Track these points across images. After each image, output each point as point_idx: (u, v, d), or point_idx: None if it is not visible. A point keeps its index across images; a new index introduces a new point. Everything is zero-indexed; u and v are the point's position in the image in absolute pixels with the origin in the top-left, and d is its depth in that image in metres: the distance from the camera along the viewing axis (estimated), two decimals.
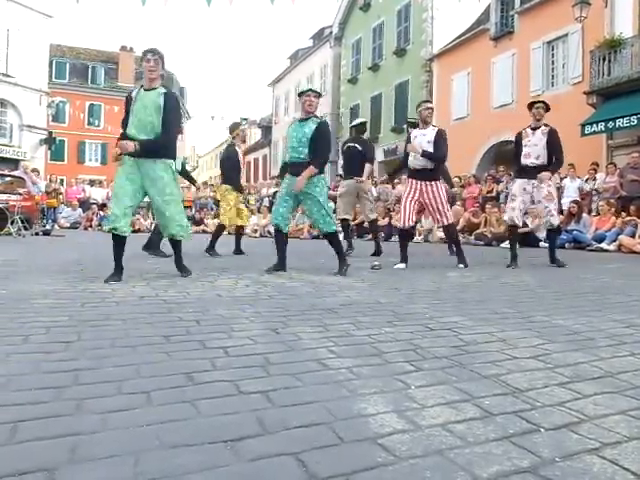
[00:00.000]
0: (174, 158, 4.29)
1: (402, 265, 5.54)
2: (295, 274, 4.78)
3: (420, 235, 12.39)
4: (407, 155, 5.79)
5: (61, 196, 17.87)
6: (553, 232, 6.10)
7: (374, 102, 25.42)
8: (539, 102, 5.94)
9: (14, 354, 1.92)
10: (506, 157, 17.87)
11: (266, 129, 41.04)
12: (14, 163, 22.18)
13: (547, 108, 5.91)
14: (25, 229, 11.17)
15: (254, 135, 44.14)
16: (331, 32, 30.03)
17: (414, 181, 5.62)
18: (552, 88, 16.83)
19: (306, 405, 1.47)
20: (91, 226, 16.32)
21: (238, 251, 7.27)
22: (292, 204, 4.94)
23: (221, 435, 1.25)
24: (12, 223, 10.76)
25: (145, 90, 4.18)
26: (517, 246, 6.08)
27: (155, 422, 1.33)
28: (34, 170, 15.83)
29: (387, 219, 13.55)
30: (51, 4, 26.03)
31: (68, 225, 16.58)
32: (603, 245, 9.20)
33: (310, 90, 4.85)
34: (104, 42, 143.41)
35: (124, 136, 4.12)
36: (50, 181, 17.26)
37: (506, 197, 13.17)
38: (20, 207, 11.16)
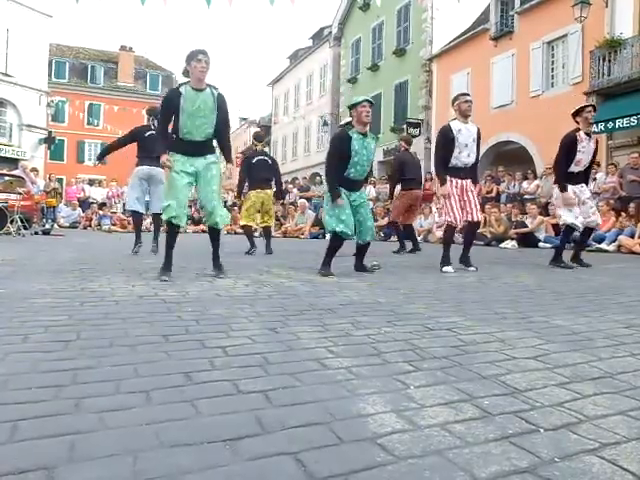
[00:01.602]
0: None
1: (450, 268, 5.25)
2: (294, 274, 4.77)
3: (419, 235, 12.40)
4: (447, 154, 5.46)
5: (60, 195, 17.87)
6: (590, 230, 6.22)
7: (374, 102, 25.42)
8: (589, 106, 5.89)
9: (13, 353, 1.92)
10: (506, 157, 17.89)
11: (265, 129, 41.04)
12: (14, 163, 22.15)
13: (595, 109, 5.95)
14: (25, 228, 11.17)
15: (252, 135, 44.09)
16: (330, 32, 30.04)
17: (458, 180, 5.43)
18: (552, 88, 16.83)
19: (305, 405, 1.47)
20: (90, 225, 16.32)
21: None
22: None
23: (220, 434, 1.25)
24: (11, 222, 10.76)
25: (195, 90, 4.18)
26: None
27: (154, 421, 1.32)
28: (33, 169, 15.82)
29: (387, 219, 13.56)
30: (51, 4, 26.02)
31: (67, 225, 16.59)
32: (603, 245, 9.21)
33: (366, 100, 4.79)
34: (104, 42, 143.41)
35: (176, 137, 4.27)
36: (49, 180, 17.26)
37: (508, 197, 13.22)
38: (19, 206, 11.16)
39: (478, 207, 5.51)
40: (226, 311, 2.85)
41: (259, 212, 7.84)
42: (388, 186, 9.46)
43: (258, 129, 7.71)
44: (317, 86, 32.10)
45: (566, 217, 5.89)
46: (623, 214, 9.82)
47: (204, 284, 3.97)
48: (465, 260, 5.59)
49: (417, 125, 21.79)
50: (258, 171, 7.69)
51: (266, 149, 7.87)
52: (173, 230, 4.40)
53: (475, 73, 19.73)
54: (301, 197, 16.89)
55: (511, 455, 1.18)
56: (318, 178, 18.51)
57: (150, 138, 6.98)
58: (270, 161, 7.86)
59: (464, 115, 5.46)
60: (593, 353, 2.10)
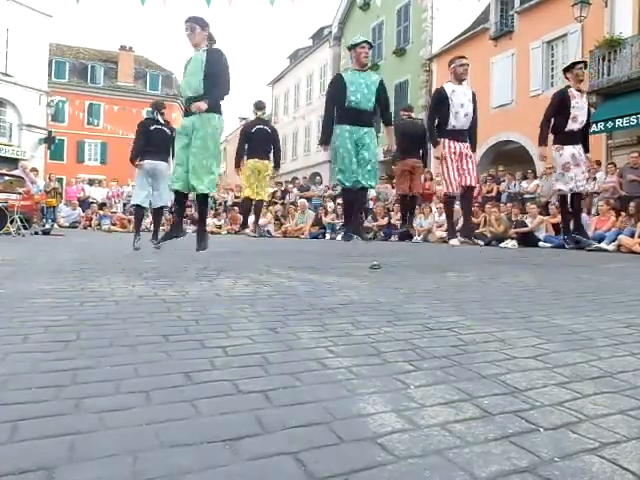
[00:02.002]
0: (219, 112, 4.43)
1: (456, 241, 5.20)
2: (294, 273, 4.77)
3: (419, 235, 12.39)
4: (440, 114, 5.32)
5: (60, 195, 17.87)
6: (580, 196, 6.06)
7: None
8: (580, 62, 5.85)
9: (13, 353, 1.92)
10: (506, 157, 17.88)
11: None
12: (13, 162, 22.14)
13: (586, 67, 5.86)
14: (24, 228, 11.17)
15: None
16: (330, 32, 30.06)
17: (455, 143, 5.28)
18: (552, 88, 16.82)
19: (305, 404, 1.47)
20: (90, 225, 16.33)
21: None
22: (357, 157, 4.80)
23: (220, 434, 1.25)
24: (11, 222, 10.76)
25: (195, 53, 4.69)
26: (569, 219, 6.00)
27: (154, 421, 1.32)
28: (33, 169, 15.82)
29: (386, 219, 13.56)
30: (51, 4, 26.01)
31: (67, 224, 16.60)
32: (602, 245, 9.21)
33: (365, 42, 4.84)
34: (103, 42, 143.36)
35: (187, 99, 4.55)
36: (49, 180, 17.26)
37: (508, 197, 13.20)
38: (19, 206, 11.16)
39: (474, 173, 5.34)
40: (226, 311, 2.85)
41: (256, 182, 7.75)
42: (390, 186, 9.47)
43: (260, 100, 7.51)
44: (317, 86, 32.10)
45: (558, 185, 6.01)
46: (623, 213, 9.82)
47: (204, 284, 3.97)
48: (467, 232, 5.39)
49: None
50: (257, 140, 7.68)
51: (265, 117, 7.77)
52: (178, 198, 4.48)
53: (475, 73, 19.66)
54: (301, 197, 16.89)
55: (511, 454, 1.18)
56: (318, 178, 18.52)
57: (155, 132, 6.96)
58: (270, 130, 7.80)
59: (459, 79, 5.38)
60: (593, 352, 2.10)
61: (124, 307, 2.91)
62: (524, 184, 12.92)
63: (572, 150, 5.74)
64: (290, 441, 1.23)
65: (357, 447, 1.21)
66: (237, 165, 8.25)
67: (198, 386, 1.61)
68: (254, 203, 8.02)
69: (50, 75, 30.77)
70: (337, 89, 4.89)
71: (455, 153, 5.25)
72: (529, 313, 2.98)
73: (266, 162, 7.63)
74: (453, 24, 21.01)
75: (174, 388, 1.58)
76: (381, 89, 4.91)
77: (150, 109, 7.43)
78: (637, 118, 12.96)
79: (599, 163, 12.50)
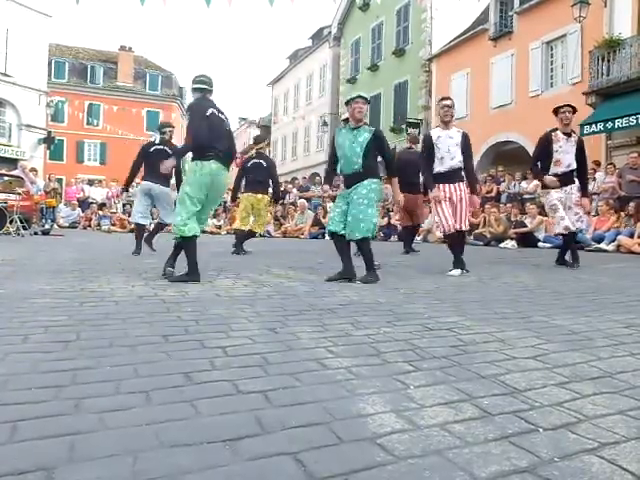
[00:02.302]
0: (198, 158, 4.25)
1: (457, 272, 5.09)
2: (293, 274, 4.78)
3: (419, 235, 12.40)
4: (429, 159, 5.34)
5: (60, 195, 17.86)
6: (574, 235, 5.92)
7: (373, 102, 25.37)
8: (565, 106, 5.72)
9: (13, 353, 1.92)
10: (505, 157, 17.90)
11: (265, 129, 41.04)
12: (13, 163, 22.13)
13: (574, 111, 5.74)
14: (24, 229, 11.16)
15: (253, 135, 44.10)
16: (330, 32, 30.03)
17: (445, 184, 5.24)
18: (551, 88, 16.84)
19: (305, 405, 1.47)
20: (90, 226, 16.30)
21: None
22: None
23: (220, 435, 1.25)
24: (11, 223, 10.75)
25: None
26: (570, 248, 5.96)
27: (154, 421, 1.33)
28: (32, 170, 15.81)
29: (386, 219, 13.57)
30: (50, 4, 25.98)
31: (67, 225, 16.57)
32: (602, 245, 9.21)
33: (359, 97, 4.78)
34: (103, 42, 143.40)
35: None
36: (49, 180, 17.25)
37: (507, 197, 13.21)
38: (19, 207, 11.15)
39: (465, 216, 5.25)
40: (226, 311, 2.85)
41: (251, 215, 7.81)
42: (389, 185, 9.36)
43: (257, 129, 7.70)
44: (317, 86, 32.09)
45: (555, 229, 5.99)
46: (622, 214, 9.83)
47: (204, 284, 3.96)
48: (461, 265, 5.21)
49: (417, 125, 21.79)
50: (252, 174, 7.76)
51: (267, 149, 7.83)
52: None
53: (474, 73, 19.74)
54: (301, 197, 16.89)
55: (511, 455, 1.18)
56: (317, 178, 18.52)
57: (154, 153, 7.00)
58: (265, 163, 7.82)
59: (442, 121, 5.34)
60: (592, 353, 2.10)
61: (124, 307, 2.91)
62: (523, 184, 12.92)
63: (558, 194, 5.61)
64: (290, 441, 1.23)
65: (357, 447, 1.21)
66: (233, 199, 8.50)
67: (198, 386, 1.61)
68: (248, 230, 8.03)
69: (50, 75, 30.72)
70: (332, 144, 4.97)
71: (445, 192, 5.18)
72: (529, 313, 2.98)
73: (259, 196, 7.74)
74: (452, 24, 20.99)
75: (174, 388, 1.59)
76: (376, 144, 4.69)
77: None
78: (636, 118, 12.95)
79: (598, 164, 12.51)
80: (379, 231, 13.19)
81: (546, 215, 11.21)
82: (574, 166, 5.68)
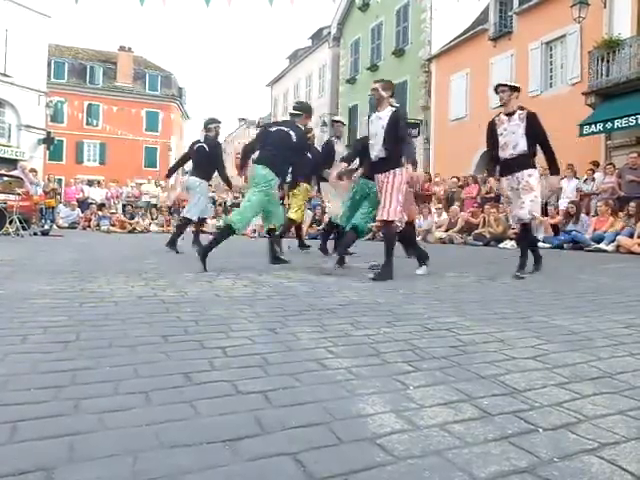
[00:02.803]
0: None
1: (421, 270, 4.89)
2: (293, 274, 4.77)
3: (419, 235, 12.40)
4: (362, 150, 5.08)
5: (59, 196, 17.85)
6: (524, 228, 5.25)
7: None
8: (500, 86, 5.13)
9: (12, 354, 1.92)
10: None
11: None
12: (12, 163, 22.12)
13: (513, 89, 5.08)
14: (23, 229, 11.15)
15: (252, 135, 44.11)
16: (330, 32, 30.03)
17: (375, 175, 4.82)
18: (550, 89, 16.85)
19: (304, 405, 1.47)
20: (89, 226, 16.30)
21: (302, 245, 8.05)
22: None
23: (219, 435, 1.25)
24: (10, 223, 10.75)
25: None
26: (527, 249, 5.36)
27: (153, 422, 1.33)
28: (32, 170, 15.81)
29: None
30: (49, 4, 25.97)
31: (66, 225, 16.56)
32: (602, 245, 9.21)
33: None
34: (102, 42, 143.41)
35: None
36: (48, 180, 17.24)
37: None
38: (18, 207, 11.14)
39: (387, 204, 4.61)
40: (225, 312, 2.85)
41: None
42: None
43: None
44: (316, 86, 32.08)
45: (512, 218, 5.39)
46: (621, 214, 9.83)
47: (203, 284, 3.96)
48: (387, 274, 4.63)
49: (416, 125, 21.80)
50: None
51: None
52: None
53: (474, 73, 19.74)
54: None
55: (510, 455, 1.18)
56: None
57: (196, 150, 7.26)
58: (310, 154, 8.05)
59: (377, 102, 4.85)
60: (592, 353, 2.11)
61: (123, 308, 2.91)
62: None
63: (509, 182, 5.03)
64: (290, 441, 1.23)
65: (356, 447, 1.21)
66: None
67: (198, 387, 1.61)
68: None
69: (49, 75, 30.71)
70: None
71: (378, 187, 4.77)
72: (528, 313, 2.98)
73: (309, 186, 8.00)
74: (452, 25, 21.01)
75: (174, 389, 1.59)
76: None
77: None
78: (636, 119, 12.96)
79: (597, 164, 12.52)
80: (378, 231, 13.18)
81: (546, 215, 11.25)
82: (523, 147, 4.96)
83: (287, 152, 5.30)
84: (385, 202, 4.63)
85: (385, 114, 4.73)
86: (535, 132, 4.95)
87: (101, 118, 37.98)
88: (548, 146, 5.03)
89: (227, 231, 5.12)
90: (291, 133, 5.38)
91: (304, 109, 5.87)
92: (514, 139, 4.96)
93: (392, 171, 4.63)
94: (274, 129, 5.53)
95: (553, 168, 5.17)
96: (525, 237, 5.39)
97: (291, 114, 5.80)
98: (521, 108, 5.06)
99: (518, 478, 1.08)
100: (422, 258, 5.10)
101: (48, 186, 16.64)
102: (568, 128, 13.75)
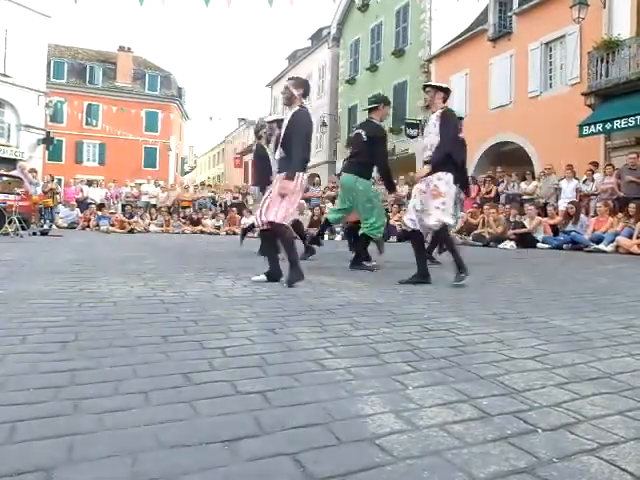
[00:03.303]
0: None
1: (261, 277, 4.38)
2: None
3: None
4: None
5: (58, 196, 17.83)
6: (440, 234, 4.96)
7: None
8: (427, 86, 4.96)
9: (11, 354, 1.92)
10: (504, 158, 17.90)
11: None
12: (12, 163, 22.11)
13: (437, 88, 4.85)
14: (23, 229, 11.14)
15: (252, 135, 44.09)
16: (329, 33, 30.04)
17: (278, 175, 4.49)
18: (550, 89, 16.85)
19: (304, 405, 1.47)
20: (89, 226, 16.29)
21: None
22: None
23: (219, 435, 1.25)
24: (10, 223, 10.74)
25: None
26: (427, 254, 5.13)
27: (153, 422, 1.32)
28: (32, 170, 15.80)
29: (385, 219, 13.57)
30: (49, 4, 25.98)
31: (66, 225, 16.55)
32: (601, 246, 9.22)
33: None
34: (102, 42, 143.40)
35: None
36: (46, 181, 17.23)
37: (506, 198, 13.24)
38: (17, 207, 11.13)
39: (265, 210, 4.27)
40: (225, 312, 2.85)
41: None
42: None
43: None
44: (316, 87, 32.07)
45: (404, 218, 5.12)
46: (621, 214, 9.83)
47: (203, 285, 3.96)
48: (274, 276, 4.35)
49: (416, 125, 21.80)
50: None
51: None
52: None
53: (473, 74, 19.75)
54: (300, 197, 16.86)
55: (509, 455, 1.18)
56: (317, 179, 18.48)
57: (255, 157, 7.20)
58: None
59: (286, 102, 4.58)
60: (592, 353, 2.11)
61: (123, 308, 2.91)
62: (522, 185, 12.95)
63: (420, 184, 4.72)
64: (289, 442, 1.23)
65: (356, 448, 1.21)
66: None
67: (197, 387, 1.61)
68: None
69: (49, 75, 30.68)
70: None
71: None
72: (528, 314, 2.98)
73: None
74: (452, 25, 21.01)
75: (173, 389, 1.58)
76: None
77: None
78: (635, 119, 12.95)
79: (597, 165, 12.53)
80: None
81: (545, 216, 11.26)
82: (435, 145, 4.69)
83: (359, 154, 5.46)
84: (264, 208, 4.31)
85: (289, 115, 4.48)
86: (440, 130, 4.64)
87: (101, 118, 37.97)
88: (441, 143, 4.63)
89: (369, 239, 5.43)
90: (361, 132, 5.44)
91: (379, 100, 5.78)
92: (431, 139, 4.73)
93: (280, 175, 4.38)
94: (352, 134, 5.73)
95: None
96: (445, 240, 5.09)
97: (368, 109, 5.75)
98: (442, 109, 4.75)
99: (517, 478, 1.08)
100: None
101: (46, 186, 16.63)
102: (568, 129, 13.75)
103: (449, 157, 4.68)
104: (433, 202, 4.56)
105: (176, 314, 2.75)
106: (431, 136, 4.68)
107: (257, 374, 1.74)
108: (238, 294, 3.53)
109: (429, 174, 4.59)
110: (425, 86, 4.99)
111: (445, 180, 4.64)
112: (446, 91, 4.83)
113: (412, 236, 4.76)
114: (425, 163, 4.72)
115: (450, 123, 4.66)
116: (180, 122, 44.66)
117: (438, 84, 5.07)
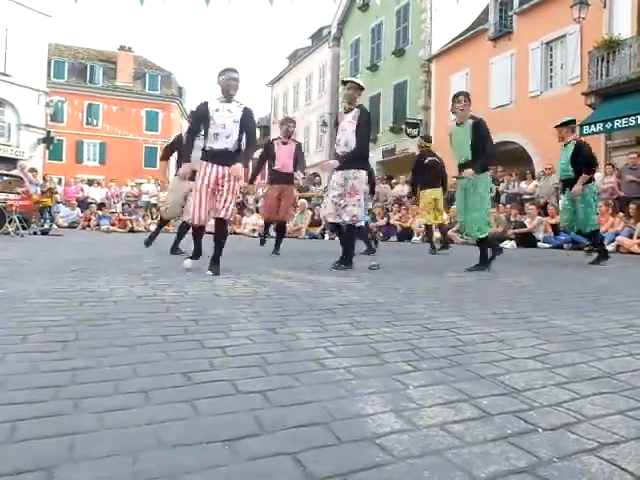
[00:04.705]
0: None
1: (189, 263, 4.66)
2: (293, 274, 4.77)
3: (419, 235, 12.40)
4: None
5: (57, 195, 17.83)
6: (351, 229, 5.20)
7: (373, 102, 25.43)
8: (349, 82, 5.19)
9: (12, 353, 1.92)
10: (505, 157, 17.91)
11: (264, 129, 41.01)
12: (12, 162, 22.11)
13: (357, 86, 5.14)
14: (23, 228, 11.15)
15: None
16: (330, 32, 30.04)
17: (211, 166, 4.50)
18: (550, 89, 16.86)
19: (304, 405, 1.47)
20: (89, 226, 16.30)
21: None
22: None
23: (219, 434, 1.25)
24: (10, 222, 10.74)
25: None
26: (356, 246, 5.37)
27: (153, 421, 1.32)
28: (32, 170, 15.81)
29: (385, 219, 13.59)
30: (50, 3, 25.98)
31: (66, 225, 16.56)
32: None
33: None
34: (102, 42, 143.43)
35: None
36: (45, 180, 17.24)
37: (507, 197, 13.24)
38: (18, 206, 11.14)
39: (226, 203, 4.44)
40: (225, 311, 2.85)
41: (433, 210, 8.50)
42: (388, 186, 9.80)
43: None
44: (316, 86, 32.09)
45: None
46: (621, 214, 9.83)
47: (203, 284, 3.96)
48: (211, 263, 4.55)
49: (416, 125, 21.81)
50: (430, 170, 8.34)
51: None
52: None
53: (474, 73, 19.75)
54: (300, 197, 16.86)
55: (510, 455, 1.18)
56: (317, 178, 18.48)
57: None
58: (438, 160, 8.47)
59: (225, 94, 4.52)
60: (592, 353, 2.11)
61: (123, 307, 2.91)
62: (523, 185, 12.95)
63: (336, 177, 5.03)
64: (289, 441, 1.23)
65: (356, 447, 1.21)
66: (414, 193, 9.23)
67: (197, 386, 1.61)
68: (438, 225, 9.03)
69: (49, 75, 30.69)
70: None
71: (208, 176, 4.46)
72: (528, 313, 2.98)
73: (439, 189, 8.52)
74: (452, 25, 21.01)
75: (173, 388, 1.58)
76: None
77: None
78: (636, 119, 12.95)
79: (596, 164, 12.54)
80: (377, 231, 13.19)
81: (546, 215, 11.26)
82: (352, 145, 4.98)
83: None
84: (222, 202, 4.48)
85: (237, 110, 4.52)
86: (358, 130, 5.03)
87: (101, 118, 38.00)
88: (358, 141, 5.01)
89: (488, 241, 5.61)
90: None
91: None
92: (345, 135, 5.06)
93: (232, 167, 4.49)
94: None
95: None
96: (351, 235, 5.34)
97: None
98: (359, 107, 5.12)
99: (517, 478, 1.08)
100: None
101: (45, 186, 16.63)
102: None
103: (364, 154, 5.18)
104: (350, 200, 5.04)
105: (176, 313, 2.75)
106: (346, 133, 5.05)
107: (257, 373, 1.74)
108: (238, 293, 3.53)
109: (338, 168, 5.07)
110: (347, 82, 5.28)
111: (360, 178, 5.10)
112: (362, 89, 5.30)
113: (342, 230, 5.14)
114: (338, 158, 5.09)
115: (367, 122, 5.13)
116: (181, 122, 44.66)
117: (359, 82, 5.35)
